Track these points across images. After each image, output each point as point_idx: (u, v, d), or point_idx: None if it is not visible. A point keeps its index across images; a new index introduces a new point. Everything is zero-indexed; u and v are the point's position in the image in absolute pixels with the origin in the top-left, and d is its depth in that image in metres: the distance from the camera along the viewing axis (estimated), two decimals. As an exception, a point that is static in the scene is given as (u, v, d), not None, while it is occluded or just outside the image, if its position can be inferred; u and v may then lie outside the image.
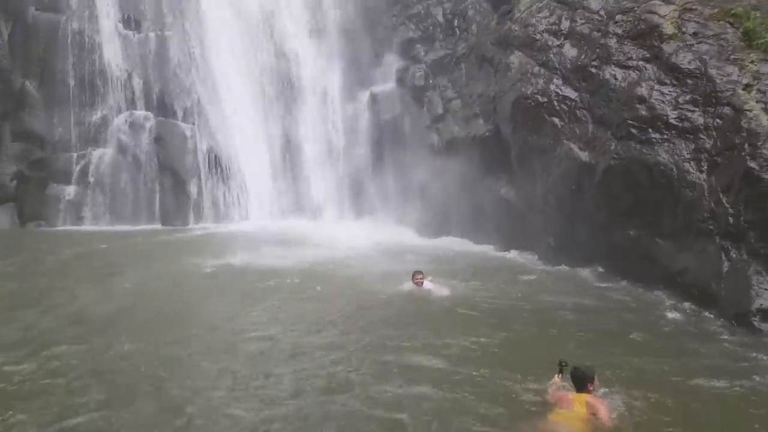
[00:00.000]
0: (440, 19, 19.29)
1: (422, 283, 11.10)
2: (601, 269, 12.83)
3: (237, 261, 13.40)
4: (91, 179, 19.62)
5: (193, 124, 19.74)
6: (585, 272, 12.94)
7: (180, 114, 19.99)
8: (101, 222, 19.36)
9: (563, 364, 6.51)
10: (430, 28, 19.32)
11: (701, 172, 11.26)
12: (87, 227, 19.06)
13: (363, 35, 20.35)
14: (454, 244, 16.25)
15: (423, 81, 18.93)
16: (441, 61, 18.85)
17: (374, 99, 19.68)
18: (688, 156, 11.50)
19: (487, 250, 15.67)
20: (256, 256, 13.83)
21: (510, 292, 11.51)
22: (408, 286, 11.09)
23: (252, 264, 13.23)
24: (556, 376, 6.56)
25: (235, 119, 19.68)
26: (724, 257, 10.22)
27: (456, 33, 18.89)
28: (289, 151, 19.81)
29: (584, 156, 13.47)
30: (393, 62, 19.66)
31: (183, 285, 11.85)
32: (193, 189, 19.23)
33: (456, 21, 18.99)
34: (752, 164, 10.14)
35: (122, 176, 19.73)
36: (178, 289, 11.51)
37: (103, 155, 19.86)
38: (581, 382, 6.09)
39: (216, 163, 19.42)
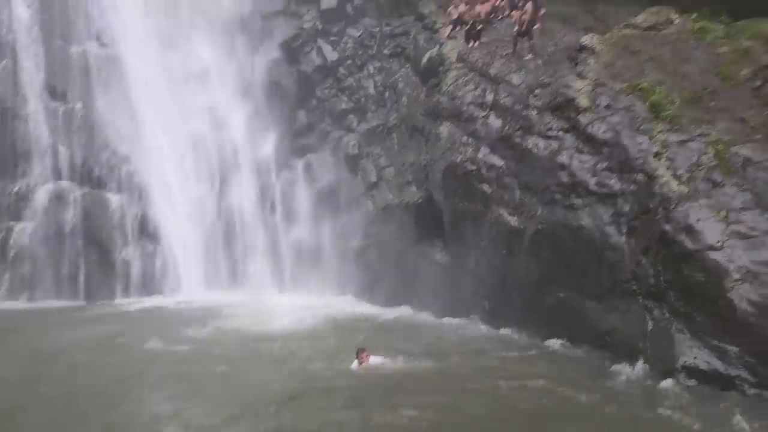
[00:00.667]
0: (372, 91, 19.96)
1: (368, 359, 10.74)
2: (534, 331, 13.08)
3: (158, 344, 12.28)
4: (11, 253, 18.64)
5: (122, 194, 19.21)
6: (519, 335, 13.16)
7: (107, 184, 19.47)
8: (21, 298, 18.26)
9: None
10: (362, 99, 19.92)
11: (621, 234, 11.87)
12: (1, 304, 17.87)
13: (297, 105, 20.73)
14: (392, 311, 16.20)
15: (356, 150, 19.35)
16: (374, 131, 19.39)
17: (309, 167, 19.90)
18: (608, 220, 12.13)
19: (425, 316, 15.72)
20: (183, 335, 13.12)
21: (449, 360, 11.47)
22: (354, 365, 10.67)
23: (176, 345, 12.30)
24: None
25: (166, 189, 19.30)
26: (648, 316, 10.68)
27: (387, 104, 19.56)
28: (223, 221, 19.52)
29: (513, 221, 13.96)
30: (327, 131, 20.04)
31: (95, 371, 10.86)
32: (120, 262, 18.52)
33: (387, 93, 19.69)
34: (666, 227, 10.79)
35: (44, 250, 18.84)
36: (88, 377, 10.42)
37: (24, 228, 18.99)
38: None
39: (145, 234, 18.84)
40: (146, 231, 19.00)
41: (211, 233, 19.40)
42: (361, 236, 17.86)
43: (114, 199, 19.25)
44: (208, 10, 21.23)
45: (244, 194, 19.82)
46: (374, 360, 10.75)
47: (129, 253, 18.69)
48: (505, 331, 13.56)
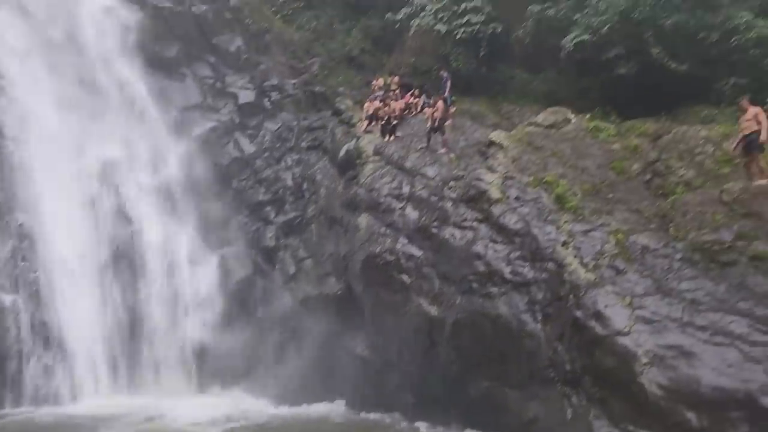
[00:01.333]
0: (289, 183, 20.06)
1: None
2: (460, 423, 12.93)
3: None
4: None
5: (16, 294, 17.69)
6: (443, 428, 12.95)
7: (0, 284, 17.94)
8: None
9: None
10: (280, 191, 19.95)
11: (537, 322, 12.21)
12: None
13: (213, 197, 20.42)
14: (314, 410, 15.51)
15: (274, 242, 19.14)
16: (291, 222, 19.32)
17: (224, 261, 19.36)
18: (524, 308, 12.49)
19: (348, 412, 15.21)
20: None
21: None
22: None
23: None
24: None
25: (66, 289, 17.99)
26: (566, 403, 10.85)
27: (305, 196, 19.66)
28: (129, 322, 18.33)
29: (433, 311, 14.07)
30: (243, 224, 19.76)
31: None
32: (11, 368, 16.81)
33: (305, 185, 19.86)
34: (577, 313, 11.23)
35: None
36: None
37: None
38: None
39: (42, 338, 17.30)
40: (43, 334, 17.45)
41: (116, 335, 18.10)
42: (279, 332, 17.34)
43: (7, 299, 17.72)
44: (123, 102, 20.94)
45: (152, 292, 18.83)
46: None
47: (21, 359, 17.03)
48: (427, 426, 13.31)
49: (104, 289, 18.40)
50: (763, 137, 12.32)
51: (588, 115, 17.24)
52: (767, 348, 9.40)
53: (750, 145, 12.57)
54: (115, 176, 19.83)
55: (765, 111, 12.73)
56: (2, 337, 16.98)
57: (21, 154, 18.62)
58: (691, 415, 9.09)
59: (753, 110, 12.69)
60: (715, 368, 9.39)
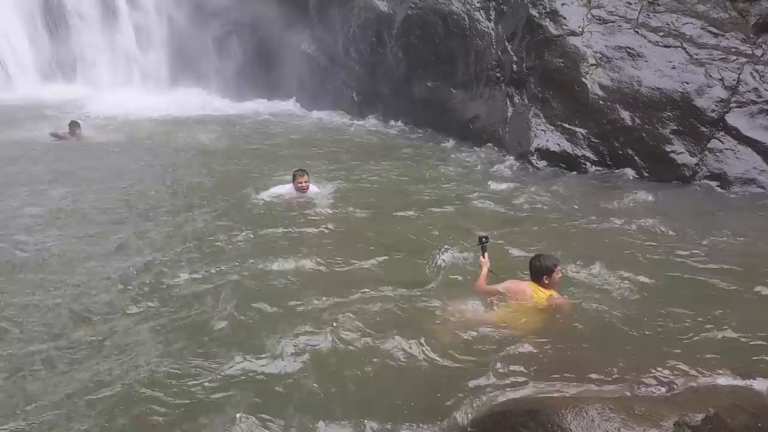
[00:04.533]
0: None
1: (308, 188, 7.91)
2: (403, 121, 13.22)
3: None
4: None
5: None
6: (389, 125, 13.25)
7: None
8: None
9: (484, 240, 5.18)
10: None
11: (490, 21, 11.70)
12: None
13: None
14: (259, 105, 15.48)
15: None
16: None
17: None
18: (478, 5, 11.84)
19: (292, 108, 15.26)
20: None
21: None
22: (284, 189, 7.98)
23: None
24: (482, 256, 5.17)
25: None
26: (509, 103, 11.00)
27: None
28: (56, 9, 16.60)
29: (383, 6, 13.28)
30: None
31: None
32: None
33: None
34: (533, 12, 10.68)
35: None
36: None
37: None
38: (538, 273, 4.83)
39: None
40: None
41: (40, 19, 16.62)
42: (220, 25, 16.23)
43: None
44: None
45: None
46: (313, 188, 8.03)
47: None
48: (373, 122, 13.58)
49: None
50: None
51: None
52: (714, 50, 9.35)
53: None
54: None
55: None
56: None
57: None
58: (625, 114, 9.36)
59: None
60: (658, 70, 9.40)
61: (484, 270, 5.13)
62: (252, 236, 6.57)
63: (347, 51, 14.10)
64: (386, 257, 5.97)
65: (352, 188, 8.61)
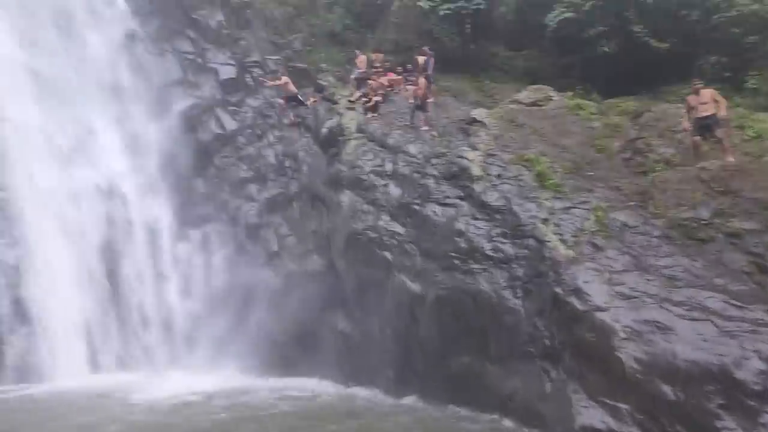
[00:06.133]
0: (272, 160, 19.90)
1: None
2: (440, 398, 13.08)
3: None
4: None
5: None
6: (424, 404, 13.10)
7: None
8: None
9: None
10: (262, 168, 19.80)
11: (517, 298, 12.35)
12: None
13: (194, 174, 20.22)
14: (297, 384, 15.60)
15: (256, 219, 19.05)
16: (274, 200, 19.21)
17: (207, 238, 19.26)
18: (504, 284, 12.61)
19: (328, 387, 15.32)
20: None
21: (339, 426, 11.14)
22: None
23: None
24: None
25: (47, 262, 17.83)
26: (546, 378, 11.01)
27: (288, 173, 19.53)
28: (110, 298, 18.23)
29: (415, 287, 14.15)
30: (225, 201, 19.61)
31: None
32: (-8, 346, 16.71)
33: (287, 162, 19.72)
34: (557, 290, 11.35)
35: None
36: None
37: None
38: None
39: (21, 314, 17.17)
40: (23, 309, 17.32)
41: (98, 311, 18.02)
42: (262, 308, 17.33)
43: (-16, 276, 17.51)
44: (102, 77, 20.60)
45: (135, 269, 18.73)
46: None
47: (2, 337, 16.91)
48: (408, 400, 13.46)
49: (86, 265, 18.27)
50: (722, 113, 13.05)
51: (570, 94, 17.30)
52: (742, 323, 9.57)
53: (707, 126, 13.05)
54: (97, 151, 19.62)
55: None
56: (-20, 315, 16.84)
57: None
58: (666, 388, 9.27)
59: (708, 92, 13.31)
60: (690, 342, 9.55)
61: None
62: None
63: (382, 329, 14.67)
64: None
65: None
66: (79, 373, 16.99)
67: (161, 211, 19.60)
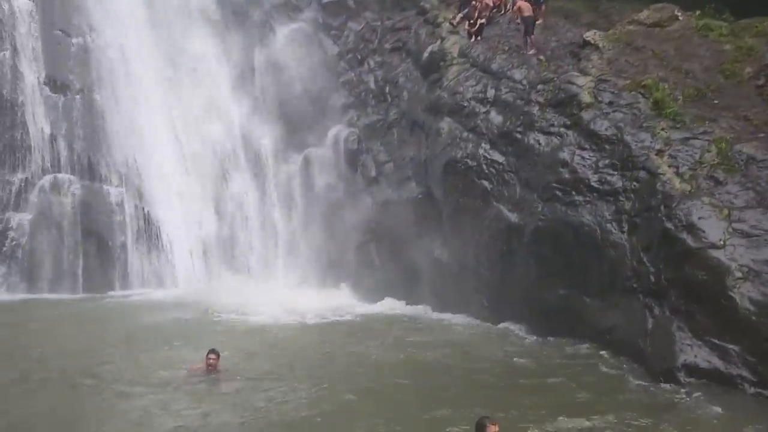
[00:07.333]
0: (372, 86, 19.81)
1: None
2: (534, 328, 12.99)
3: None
4: (9, 245, 18.51)
5: (121, 187, 19.15)
6: (518, 331, 13.09)
7: (106, 177, 19.39)
8: (17, 291, 18.13)
9: None
10: (363, 94, 19.78)
11: (623, 232, 11.79)
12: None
13: (297, 98, 20.61)
14: (391, 306, 16.09)
15: (356, 145, 19.23)
16: (373, 126, 19.24)
17: (308, 162, 19.78)
18: (609, 217, 12.05)
19: (424, 311, 15.64)
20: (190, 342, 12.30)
21: (444, 351, 11.41)
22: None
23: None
24: None
25: (165, 181, 19.24)
26: (648, 314, 10.60)
27: (388, 99, 19.40)
28: (221, 214, 19.46)
29: (513, 217, 13.88)
30: (327, 126, 19.92)
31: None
32: (119, 254, 18.46)
33: (387, 88, 19.53)
34: (668, 225, 10.70)
35: (43, 242, 18.72)
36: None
37: (22, 220, 18.87)
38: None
39: (144, 227, 18.81)
40: (145, 223, 18.95)
41: (210, 224, 19.35)
42: (360, 232, 17.74)
43: (113, 191, 19.18)
44: (207, 4, 21.18)
45: (242, 189, 19.74)
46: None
47: (127, 246, 18.62)
48: (501, 327, 13.49)
49: (198, 183, 19.54)
50: None
51: (698, 13, 15.64)
52: None
53: None
54: (205, 75, 20.45)
55: None
56: (109, 226, 18.59)
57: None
58: (784, 333, 8.67)
59: None
60: (816, 286, 8.81)
61: None
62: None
63: (478, 258, 14.62)
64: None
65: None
66: (194, 280, 18.50)
67: (264, 133, 20.34)
